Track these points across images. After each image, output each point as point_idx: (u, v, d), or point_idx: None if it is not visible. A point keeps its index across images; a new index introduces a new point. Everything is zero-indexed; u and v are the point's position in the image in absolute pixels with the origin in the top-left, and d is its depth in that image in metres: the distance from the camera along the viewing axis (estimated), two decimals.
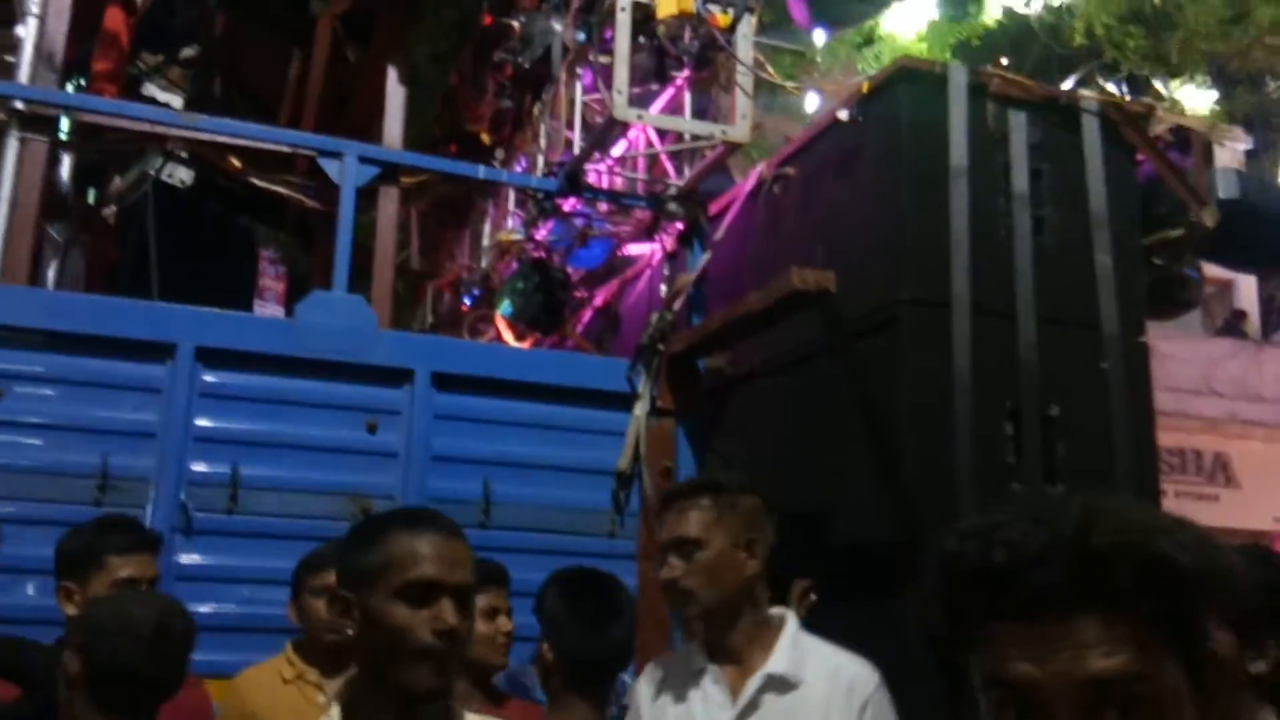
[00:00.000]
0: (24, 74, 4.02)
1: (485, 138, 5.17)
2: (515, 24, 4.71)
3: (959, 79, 3.50)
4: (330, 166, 4.05)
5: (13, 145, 3.92)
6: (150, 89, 5.79)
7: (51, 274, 4.78)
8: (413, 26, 4.36)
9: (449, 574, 1.45)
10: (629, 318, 4.92)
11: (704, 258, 4.27)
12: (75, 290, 5.20)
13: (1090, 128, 3.57)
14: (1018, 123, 3.56)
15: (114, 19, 4.94)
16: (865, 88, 3.68)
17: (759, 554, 2.17)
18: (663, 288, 4.56)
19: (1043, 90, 3.68)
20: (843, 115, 3.70)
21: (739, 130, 4.01)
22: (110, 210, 5.55)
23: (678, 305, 4.19)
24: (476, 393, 3.96)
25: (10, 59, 4.04)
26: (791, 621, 2.21)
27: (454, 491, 3.80)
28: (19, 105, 3.92)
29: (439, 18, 5.71)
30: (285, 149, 4.18)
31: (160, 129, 4.17)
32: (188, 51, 5.41)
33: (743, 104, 4.01)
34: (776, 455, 3.85)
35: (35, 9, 4.08)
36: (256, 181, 4.32)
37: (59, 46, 4.11)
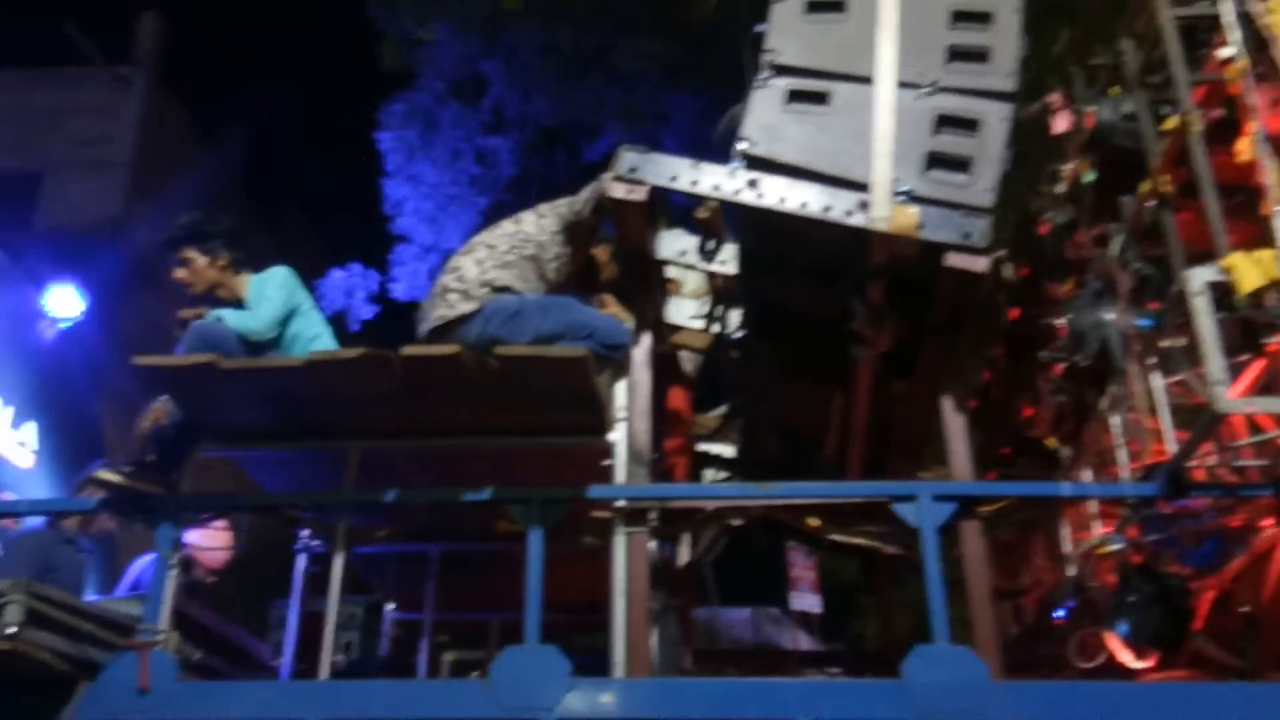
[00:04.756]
0: (620, 474, 4.49)
1: (1051, 442, 4.89)
2: (1059, 322, 4.51)
3: None
4: (905, 511, 3.99)
5: (620, 542, 4.34)
6: (705, 445, 6.33)
7: (654, 643, 5.12)
8: (957, 352, 4.32)
9: None
10: (1271, 616, 4.16)
11: None
12: (672, 652, 5.54)
13: None
14: None
15: (677, 398, 5.50)
16: None
17: None
18: None
19: None
20: None
21: None
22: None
23: None
24: None
25: (606, 461, 4.54)
26: None
27: None
28: (621, 504, 4.37)
29: None
30: (858, 500, 4.22)
31: (742, 502, 4.40)
32: (737, 408, 5.88)
33: None
34: None
35: (623, 414, 4.61)
36: (836, 538, 4.38)
37: (645, 443, 4.57)
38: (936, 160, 4.10)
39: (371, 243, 14.10)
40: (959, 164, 4.07)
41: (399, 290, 13.67)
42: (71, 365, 11.49)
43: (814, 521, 4.27)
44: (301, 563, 5.56)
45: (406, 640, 7.04)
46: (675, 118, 11.44)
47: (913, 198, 4.04)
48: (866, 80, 4.21)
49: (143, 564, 5.36)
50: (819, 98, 4.25)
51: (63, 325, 11.30)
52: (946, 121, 4.13)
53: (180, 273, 4.71)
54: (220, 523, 5.43)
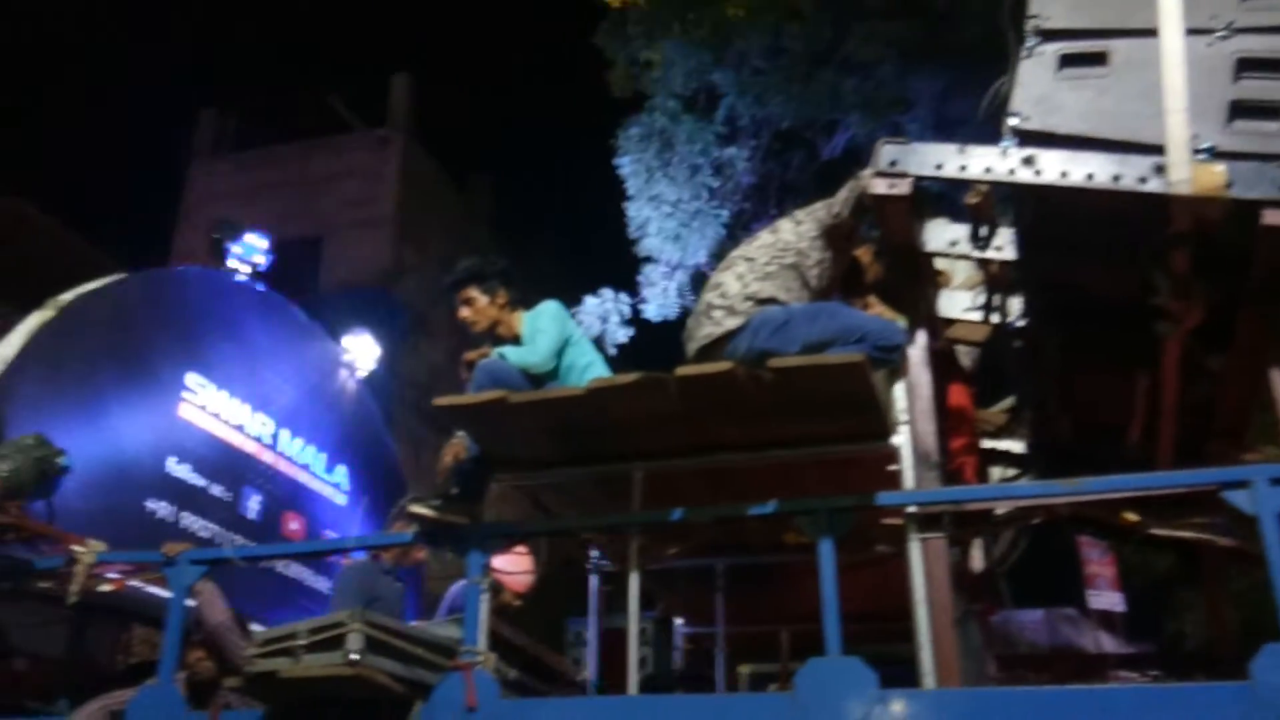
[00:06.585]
0: (909, 478, 4.32)
1: None
2: None
3: None
4: (1238, 498, 3.61)
5: (916, 549, 4.17)
6: (991, 441, 6.00)
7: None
8: None
9: None
10: None
11: None
12: (976, 660, 5.27)
13: None
14: None
15: (958, 395, 5.25)
16: None
17: None
18: None
19: None
20: None
21: None
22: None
23: None
24: None
25: (893, 466, 4.38)
26: None
27: None
28: (912, 509, 4.20)
29: None
30: (1179, 490, 3.86)
31: (1046, 500, 4.14)
32: (1024, 400, 5.55)
33: None
34: None
35: (904, 416, 4.44)
36: (1159, 532, 4.02)
37: (931, 445, 4.38)
38: (1241, 109, 3.70)
39: (620, 266, 14.46)
40: (1269, 111, 3.65)
41: (650, 310, 13.93)
42: (369, 409, 12.51)
43: (1131, 516, 3.93)
44: (594, 582, 5.74)
45: (696, 653, 7.15)
46: (916, 101, 10.99)
47: (1217, 154, 3.66)
48: (1149, 33, 3.86)
49: (458, 588, 5.70)
50: (1096, 59, 3.94)
51: (360, 373, 12.33)
52: (1249, 65, 3.72)
53: (464, 311, 4.98)
54: (522, 548, 5.68)
